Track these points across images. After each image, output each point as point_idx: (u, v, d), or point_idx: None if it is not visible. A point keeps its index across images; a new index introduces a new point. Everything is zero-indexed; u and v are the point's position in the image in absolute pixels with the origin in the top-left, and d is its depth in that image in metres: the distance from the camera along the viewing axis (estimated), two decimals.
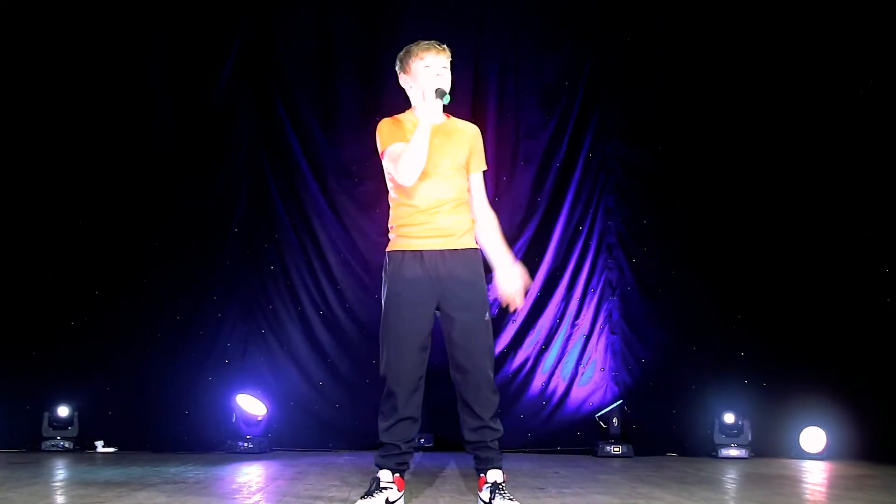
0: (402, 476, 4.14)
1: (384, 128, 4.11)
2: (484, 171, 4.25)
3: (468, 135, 4.19)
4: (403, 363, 4.02)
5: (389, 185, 4.18)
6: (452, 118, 4.23)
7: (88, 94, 6.71)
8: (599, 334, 6.83)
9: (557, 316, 6.83)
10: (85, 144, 6.70)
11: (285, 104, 6.81)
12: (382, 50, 6.64)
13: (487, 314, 4.08)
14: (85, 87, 6.71)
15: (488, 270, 4.14)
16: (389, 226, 4.19)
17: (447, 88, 4.00)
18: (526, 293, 4.21)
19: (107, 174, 6.69)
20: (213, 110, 6.77)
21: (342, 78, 6.85)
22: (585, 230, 6.88)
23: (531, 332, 6.79)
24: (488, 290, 4.16)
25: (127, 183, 6.70)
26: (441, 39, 4.15)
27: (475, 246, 4.14)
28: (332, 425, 6.65)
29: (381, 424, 4.05)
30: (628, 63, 6.92)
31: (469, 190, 4.20)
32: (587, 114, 6.92)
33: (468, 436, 4.09)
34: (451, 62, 4.11)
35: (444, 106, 4.08)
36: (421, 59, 4.08)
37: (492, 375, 4.08)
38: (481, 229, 4.20)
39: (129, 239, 6.66)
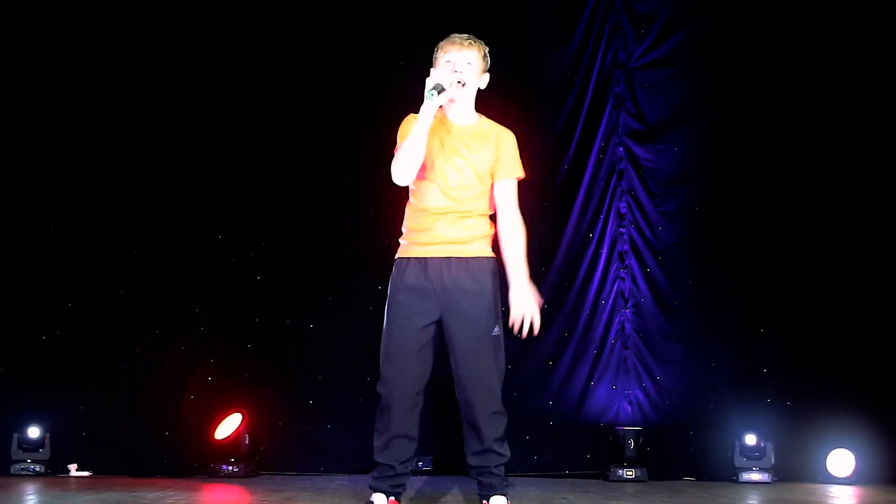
0: (397, 499, 4.12)
1: (404, 125, 4.13)
2: (520, 179, 4.19)
3: (495, 139, 4.15)
4: (400, 376, 4.01)
5: (410, 186, 4.18)
6: (483, 119, 4.20)
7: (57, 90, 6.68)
8: (611, 349, 6.78)
9: (565, 329, 6.79)
10: (55, 144, 6.65)
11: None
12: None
13: (497, 328, 4.04)
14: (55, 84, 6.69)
15: (504, 282, 4.11)
16: (402, 230, 4.18)
17: (445, 84, 3.98)
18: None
19: (80, 176, 6.64)
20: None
21: None
22: (596, 237, 6.83)
23: (537, 347, 6.69)
24: (500, 302, 4.12)
25: (101, 186, 6.64)
26: (442, 31, 4.14)
27: (488, 254, 4.11)
28: (323, 447, 6.60)
29: (376, 443, 4.07)
30: (642, 58, 6.90)
31: (493, 198, 4.15)
32: (598, 112, 6.88)
33: (471, 459, 4.07)
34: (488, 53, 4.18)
35: (470, 104, 4.15)
36: (445, 52, 4.09)
37: (499, 395, 4.05)
38: (504, 243, 4.14)
39: (104, 247, 6.61)
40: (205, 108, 6.71)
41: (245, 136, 6.73)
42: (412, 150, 3.96)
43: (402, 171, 3.99)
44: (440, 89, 3.94)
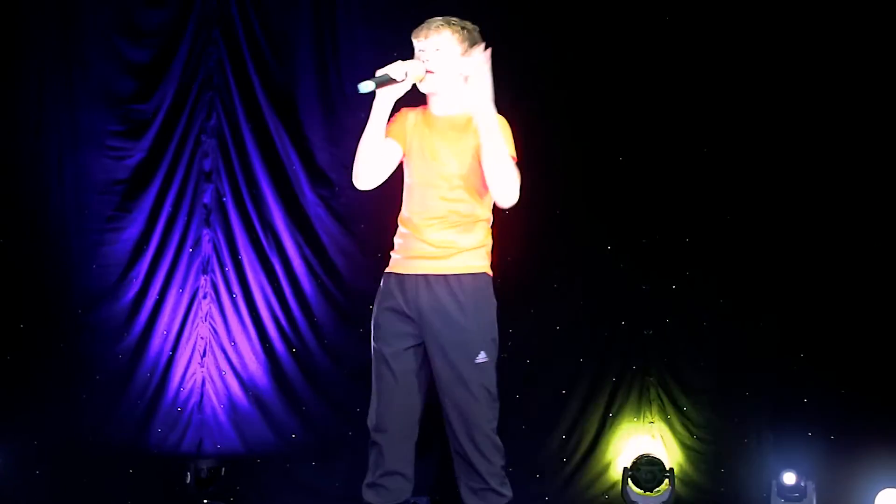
0: None
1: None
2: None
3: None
4: (387, 407, 4.02)
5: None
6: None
7: None
8: (631, 377, 6.70)
9: (580, 354, 6.71)
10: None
11: (242, 93, 6.76)
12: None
13: (483, 355, 3.98)
14: None
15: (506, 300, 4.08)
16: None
17: (400, 75, 3.94)
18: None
19: (33, 187, 6.59)
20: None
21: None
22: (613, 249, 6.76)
23: (547, 375, 6.68)
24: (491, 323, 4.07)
25: (59, 195, 6.60)
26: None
27: (474, 269, 4.04)
28: (306, 486, 6.57)
29: (365, 481, 4.09)
30: None
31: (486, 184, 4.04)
32: None
33: (468, 499, 4.04)
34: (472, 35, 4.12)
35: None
36: (416, 41, 4.11)
37: (490, 429, 4.00)
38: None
39: (62, 260, 6.57)
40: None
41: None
42: (362, 150, 3.99)
43: (356, 173, 4.04)
44: (384, 80, 3.90)
